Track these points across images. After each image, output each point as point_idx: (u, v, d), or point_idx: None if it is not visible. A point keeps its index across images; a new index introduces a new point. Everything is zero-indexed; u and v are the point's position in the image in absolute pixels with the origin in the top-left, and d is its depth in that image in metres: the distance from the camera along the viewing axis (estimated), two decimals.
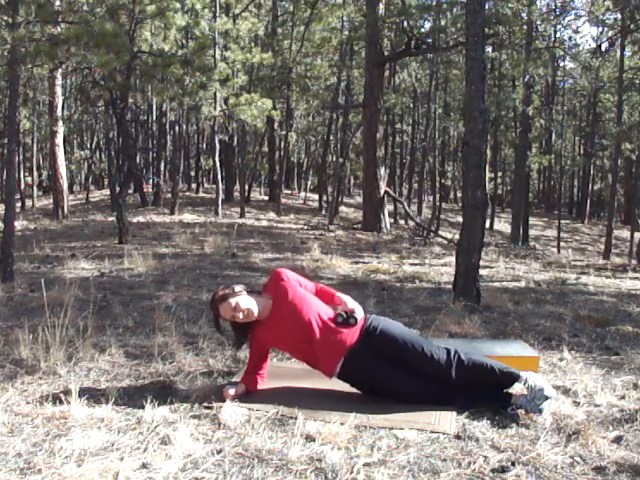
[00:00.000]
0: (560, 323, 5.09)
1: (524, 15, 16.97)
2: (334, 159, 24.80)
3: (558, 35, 22.87)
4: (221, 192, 18.34)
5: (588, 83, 22.52)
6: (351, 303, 3.18)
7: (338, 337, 3.06)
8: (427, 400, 2.96)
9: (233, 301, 3.10)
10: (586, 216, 31.04)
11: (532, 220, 24.68)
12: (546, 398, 2.87)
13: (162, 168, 23.71)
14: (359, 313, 3.15)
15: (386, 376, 3.02)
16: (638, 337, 4.70)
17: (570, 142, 34.46)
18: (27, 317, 4.30)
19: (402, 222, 21.32)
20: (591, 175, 31.37)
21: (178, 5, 11.31)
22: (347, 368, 3.07)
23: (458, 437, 2.66)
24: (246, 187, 21.91)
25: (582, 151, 30.81)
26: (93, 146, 30.72)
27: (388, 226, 16.31)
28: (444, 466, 2.38)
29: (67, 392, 3.01)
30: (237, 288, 3.18)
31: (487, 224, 20.58)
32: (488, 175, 22.38)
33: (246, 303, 3.11)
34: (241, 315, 3.10)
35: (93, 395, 3.08)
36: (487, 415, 2.89)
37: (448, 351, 3.00)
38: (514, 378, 2.96)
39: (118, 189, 13.91)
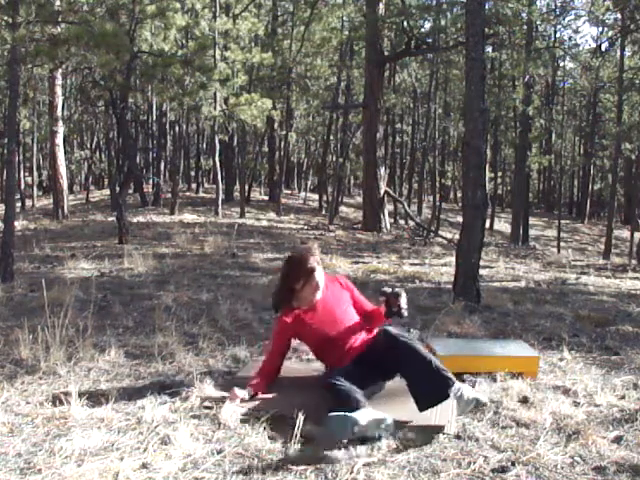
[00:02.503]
0: (560, 323, 5.09)
1: (524, 15, 16.99)
2: (334, 159, 24.79)
3: (558, 35, 22.86)
4: (221, 192, 18.32)
5: (588, 83, 22.50)
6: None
7: (350, 344, 3.12)
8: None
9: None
10: (586, 216, 31.01)
11: (532, 220, 24.66)
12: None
13: (162, 168, 23.69)
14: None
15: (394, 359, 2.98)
16: (638, 337, 4.70)
17: (570, 142, 34.45)
18: (27, 317, 4.29)
19: (402, 222, 21.32)
20: (591, 175, 31.32)
21: (178, 5, 11.29)
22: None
23: (458, 437, 2.66)
24: (246, 187, 21.89)
25: (582, 151, 30.79)
26: (93, 146, 30.70)
27: (388, 226, 16.29)
28: (444, 466, 2.38)
29: (67, 392, 3.01)
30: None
31: (487, 224, 20.55)
32: (488, 175, 22.38)
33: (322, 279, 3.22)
34: (318, 292, 3.18)
35: (93, 395, 3.08)
36: (487, 415, 2.89)
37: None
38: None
39: (118, 189, 13.92)
